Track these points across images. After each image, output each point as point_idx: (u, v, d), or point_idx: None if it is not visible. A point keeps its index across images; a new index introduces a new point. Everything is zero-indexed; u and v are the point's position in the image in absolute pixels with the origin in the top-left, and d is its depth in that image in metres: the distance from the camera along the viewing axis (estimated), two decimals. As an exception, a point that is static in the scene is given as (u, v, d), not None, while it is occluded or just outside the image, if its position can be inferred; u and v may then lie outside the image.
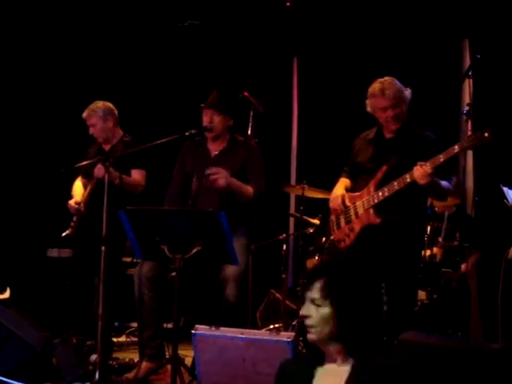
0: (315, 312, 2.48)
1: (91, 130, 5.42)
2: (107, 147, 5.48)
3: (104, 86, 6.80)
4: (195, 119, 4.99)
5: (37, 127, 6.78)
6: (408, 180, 4.10)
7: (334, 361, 2.52)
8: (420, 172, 4.01)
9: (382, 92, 4.26)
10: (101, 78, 6.89)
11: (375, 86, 4.32)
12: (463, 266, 5.43)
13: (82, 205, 5.27)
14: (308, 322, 2.49)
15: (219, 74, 6.99)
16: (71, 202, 5.33)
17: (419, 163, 4.03)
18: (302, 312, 2.51)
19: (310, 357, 2.59)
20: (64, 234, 5.32)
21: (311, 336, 2.50)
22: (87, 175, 5.34)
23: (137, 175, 5.25)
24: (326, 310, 2.47)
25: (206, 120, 4.83)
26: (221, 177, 4.62)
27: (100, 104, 5.45)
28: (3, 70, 6.64)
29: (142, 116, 7.05)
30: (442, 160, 4.00)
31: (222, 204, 4.63)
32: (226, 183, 4.62)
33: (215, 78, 6.95)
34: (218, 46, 7.08)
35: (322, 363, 2.55)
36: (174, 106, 7.06)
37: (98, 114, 5.41)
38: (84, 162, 5.00)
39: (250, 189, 4.74)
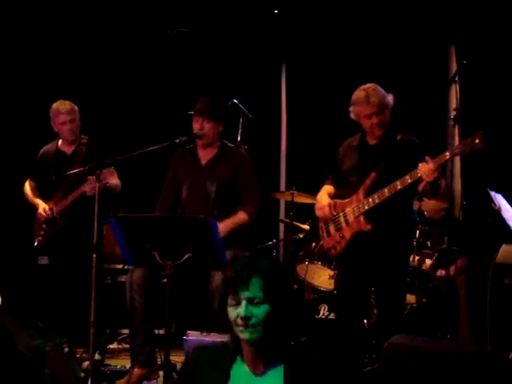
0: (257, 311, 2.42)
1: (69, 125, 5.33)
2: (68, 149, 5.43)
3: (92, 93, 6.82)
4: (185, 126, 5.00)
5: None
6: (409, 181, 4.11)
7: (255, 366, 2.49)
8: (426, 169, 4.02)
9: (367, 100, 4.27)
10: (88, 85, 6.90)
11: (359, 94, 4.32)
12: (452, 269, 5.48)
13: (57, 215, 5.28)
14: (252, 322, 2.41)
15: (208, 81, 7.01)
16: (41, 211, 5.32)
17: (424, 161, 4.04)
18: (242, 314, 2.41)
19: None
20: (36, 244, 5.34)
21: (255, 335, 2.42)
22: (61, 182, 5.30)
23: (110, 176, 5.13)
24: (268, 307, 2.42)
25: (196, 127, 4.83)
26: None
27: (70, 101, 5.40)
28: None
29: (132, 123, 7.06)
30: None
31: (212, 213, 4.66)
32: (224, 234, 4.56)
33: (204, 85, 6.98)
34: (207, 54, 7.10)
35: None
36: (163, 113, 7.08)
37: (76, 109, 5.40)
38: (75, 170, 4.99)
39: (243, 217, 4.75)
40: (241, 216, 4.74)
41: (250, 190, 4.82)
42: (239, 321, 2.42)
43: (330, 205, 4.42)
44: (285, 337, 2.51)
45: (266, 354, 2.48)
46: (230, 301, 2.46)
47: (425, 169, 4.01)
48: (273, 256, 5.89)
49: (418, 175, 4.07)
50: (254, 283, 2.42)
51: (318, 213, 4.49)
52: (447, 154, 4.00)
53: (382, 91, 4.32)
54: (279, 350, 2.49)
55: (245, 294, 2.42)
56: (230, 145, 5.03)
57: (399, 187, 4.13)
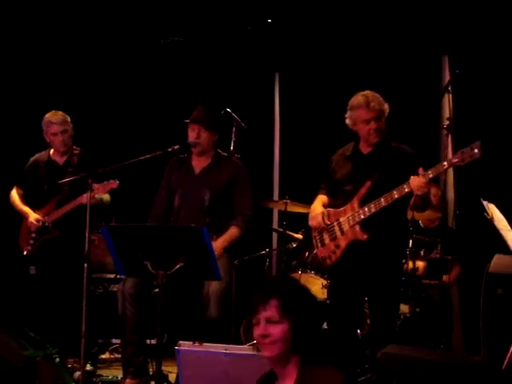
0: (273, 330, 2.60)
1: (61, 137, 5.31)
2: (60, 159, 5.42)
3: (85, 103, 6.81)
4: (178, 135, 5.00)
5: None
6: (406, 190, 4.08)
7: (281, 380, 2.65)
8: (417, 182, 4.01)
9: (367, 104, 4.25)
10: (81, 94, 6.89)
11: (359, 98, 4.31)
12: (445, 277, 5.47)
13: (49, 224, 5.25)
14: (268, 340, 2.61)
15: (201, 90, 7.01)
16: (32, 220, 5.29)
17: (415, 173, 4.04)
18: (260, 332, 2.62)
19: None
20: (25, 253, 5.31)
21: (272, 352, 2.61)
22: (54, 191, 5.27)
23: (105, 189, 5.03)
24: (284, 326, 2.60)
25: (192, 135, 4.83)
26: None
27: (62, 112, 5.39)
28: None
29: (125, 132, 7.05)
30: (431, 176, 4.02)
31: (204, 221, 4.64)
32: (219, 253, 4.58)
33: (197, 93, 6.98)
34: (201, 62, 7.10)
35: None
36: (156, 122, 7.07)
37: (68, 120, 5.38)
38: (68, 179, 4.98)
39: (235, 232, 4.76)
40: (233, 231, 4.75)
41: (244, 199, 4.82)
42: (259, 339, 2.64)
43: (323, 214, 4.40)
44: (311, 351, 2.66)
45: (287, 369, 2.64)
46: (253, 321, 2.66)
47: (416, 182, 4.01)
48: (266, 265, 5.87)
49: (407, 190, 4.06)
50: (271, 304, 2.61)
51: (312, 222, 4.48)
52: (445, 163, 3.99)
53: (381, 98, 4.33)
54: (308, 363, 2.64)
55: (263, 314, 2.61)
56: (223, 154, 5.03)
57: (396, 196, 4.12)
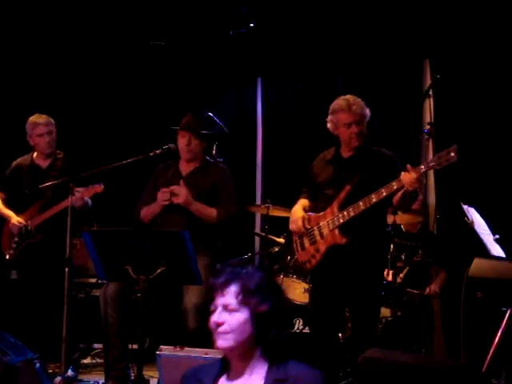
0: (230, 318, 2.42)
1: (47, 138, 5.29)
2: (43, 162, 5.39)
3: (67, 107, 6.78)
4: (161, 139, 4.99)
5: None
6: (395, 187, 4.08)
7: (239, 375, 2.48)
8: (409, 178, 4.01)
9: (349, 107, 4.27)
10: (64, 99, 6.86)
11: (341, 102, 4.32)
12: (428, 289, 5.50)
13: (32, 228, 5.23)
14: (222, 329, 2.41)
15: (184, 94, 7.01)
16: (15, 222, 5.26)
17: (403, 172, 4.04)
18: (214, 319, 2.43)
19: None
20: (8, 257, 5.28)
21: (226, 343, 2.42)
22: (37, 195, 5.23)
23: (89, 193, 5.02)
24: (242, 315, 2.42)
25: (182, 142, 4.84)
26: (181, 194, 4.64)
27: (46, 115, 5.37)
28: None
29: (107, 136, 7.03)
30: (423, 171, 4.02)
31: (189, 223, 4.64)
32: (185, 202, 4.65)
33: (179, 97, 6.98)
34: (183, 66, 7.10)
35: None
36: (139, 126, 7.06)
37: (51, 122, 5.36)
38: (49, 183, 4.96)
39: (213, 212, 4.74)
40: (210, 210, 4.74)
41: (227, 200, 4.82)
42: (213, 326, 2.44)
43: (303, 218, 4.41)
44: (269, 346, 2.47)
45: (248, 363, 2.47)
46: (210, 309, 2.47)
47: (407, 178, 4.01)
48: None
49: (394, 188, 4.07)
50: (230, 290, 2.43)
51: (292, 226, 4.48)
52: (422, 167, 4.00)
53: (362, 102, 4.34)
54: (262, 360, 2.47)
55: (220, 301, 2.44)
56: (211, 160, 5.05)
57: (374, 200, 4.13)
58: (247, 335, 2.42)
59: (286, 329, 2.63)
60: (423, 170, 4.02)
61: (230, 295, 2.43)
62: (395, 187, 4.07)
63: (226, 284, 2.44)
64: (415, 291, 5.48)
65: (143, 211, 4.89)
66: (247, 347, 2.44)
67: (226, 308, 2.43)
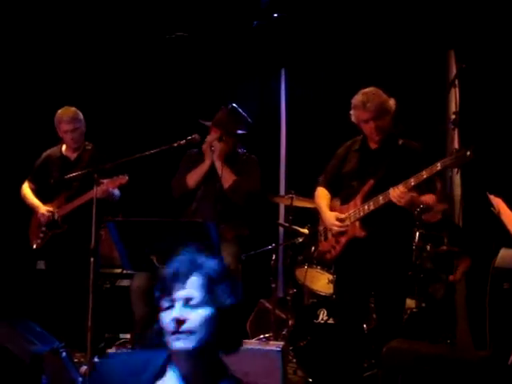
0: (193, 314, 2.09)
1: (71, 135, 5.33)
2: (72, 154, 5.43)
3: (95, 98, 6.82)
4: (186, 129, 5.01)
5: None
6: (381, 202, 4.11)
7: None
8: (396, 193, 4.02)
9: (364, 105, 4.24)
10: (91, 89, 6.90)
11: (358, 98, 4.30)
12: (451, 277, 5.46)
13: (58, 218, 5.25)
14: (185, 327, 2.08)
15: (207, 86, 7.02)
16: (43, 211, 5.29)
17: (392, 188, 4.04)
18: (175, 315, 2.08)
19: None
20: (35, 247, 5.32)
21: (188, 344, 2.07)
22: (64, 186, 5.28)
23: (113, 184, 5.06)
24: (207, 310, 2.10)
25: (213, 137, 4.90)
26: (218, 149, 4.82)
27: (75, 109, 5.39)
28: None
29: (132, 128, 7.06)
30: (424, 177, 4.02)
31: (221, 211, 4.74)
32: (219, 156, 4.82)
33: (203, 89, 6.98)
34: (206, 58, 7.10)
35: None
36: (163, 117, 7.08)
37: (80, 117, 5.38)
38: (74, 174, 4.99)
39: (236, 178, 4.83)
40: (233, 176, 4.87)
41: (250, 177, 4.93)
42: (172, 325, 2.09)
43: (337, 218, 4.37)
44: (227, 348, 2.18)
45: (207, 369, 2.14)
46: (163, 304, 2.12)
47: (395, 193, 4.02)
48: (272, 260, 5.86)
49: (412, 184, 4.06)
50: (192, 281, 2.11)
51: (333, 229, 4.41)
52: (438, 165, 4.00)
53: (382, 96, 4.28)
54: (221, 364, 2.18)
55: (180, 294, 2.10)
56: (241, 151, 5.09)
57: (382, 202, 4.15)
58: (210, 335, 2.10)
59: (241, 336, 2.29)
60: (413, 183, 4.00)
61: (192, 287, 2.11)
62: (412, 183, 4.04)
63: (188, 274, 2.12)
64: (451, 278, 5.44)
65: (188, 176, 4.97)
66: (212, 349, 2.13)
67: (187, 302, 2.10)
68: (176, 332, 2.08)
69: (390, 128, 4.33)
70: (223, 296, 2.14)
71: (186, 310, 2.09)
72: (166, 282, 2.12)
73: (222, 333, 2.12)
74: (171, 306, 2.10)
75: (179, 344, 2.08)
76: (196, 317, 2.09)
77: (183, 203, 4.99)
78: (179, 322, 2.08)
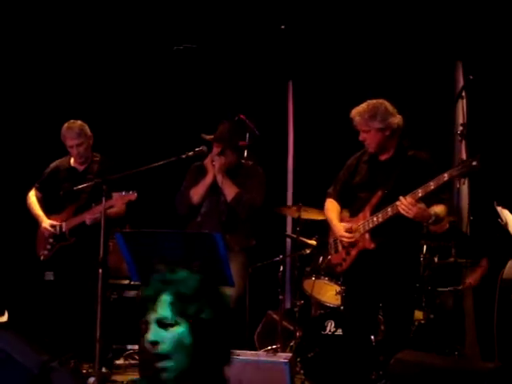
0: (167, 335, 2.04)
1: (76, 150, 5.32)
2: (80, 166, 5.42)
3: (101, 109, 6.85)
4: (192, 141, 5.02)
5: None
6: (390, 213, 4.11)
7: None
8: (404, 204, 4.02)
9: (353, 118, 4.31)
10: (98, 100, 6.93)
11: (352, 110, 4.35)
12: (468, 280, 5.41)
13: (66, 231, 5.27)
14: (160, 349, 2.03)
15: (215, 98, 7.04)
16: (46, 225, 5.29)
17: (400, 198, 4.04)
18: (148, 338, 2.04)
19: None
20: (42, 258, 5.33)
21: (170, 374, 2.01)
22: (72, 198, 5.28)
23: (121, 200, 5.04)
24: (180, 328, 2.04)
25: (216, 151, 4.86)
26: (219, 163, 4.77)
27: (80, 122, 5.36)
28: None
29: (140, 139, 7.09)
30: (432, 188, 4.02)
31: (226, 222, 4.72)
32: (219, 170, 4.77)
33: (211, 101, 7.00)
34: (214, 70, 7.13)
35: None
36: (170, 129, 7.10)
37: (85, 132, 5.35)
38: (83, 185, 5.00)
39: (237, 190, 4.80)
40: (236, 189, 4.81)
41: (254, 189, 4.88)
42: (150, 347, 2.05)
43: (347, 230, 4.38)
44: (214, 366, 2.08)
45: None
46: (143, 328, 2.12)
47: (403, 205, 4.02)
48: (279, 272, 5.86)
49: (419, 195, 4.05)
50: (162, 301, 2.06)
51: (344, 241, 4.42)
52: (445, 175, 4.00)
53: (380, 110, 4.27)
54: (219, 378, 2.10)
55: (153, 316, 2.06)
56: (246, 163, 5.09)
57: (390, 214, 4.14)
58: (188, 355, 2.03)
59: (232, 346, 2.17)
60: (420, 194, 4.01)
61: (163, 307, 2.06)
62: (420, 194, 4.04)
63: (156, 294, 2.07)
64: (448, 289, 5.42)
65: (192, 191, 4.92)
66: (192, 371, 2.04)
67: (161, 323, 2.06)
68: (156, 359, 2.04)
69: (386, 142, 4.31)
70: (200, 310, 2.06)
71: (160, 331, 2.05)
72: (142, 306, 2.10)
73: (208, 346, 2.05)
74: (147, 329, 2.07)
75: (163, 376, 2.05)
76: (170, 337, 2.04)
77: (188, 216, 4.98)
78: (154, 344, 2.05)
